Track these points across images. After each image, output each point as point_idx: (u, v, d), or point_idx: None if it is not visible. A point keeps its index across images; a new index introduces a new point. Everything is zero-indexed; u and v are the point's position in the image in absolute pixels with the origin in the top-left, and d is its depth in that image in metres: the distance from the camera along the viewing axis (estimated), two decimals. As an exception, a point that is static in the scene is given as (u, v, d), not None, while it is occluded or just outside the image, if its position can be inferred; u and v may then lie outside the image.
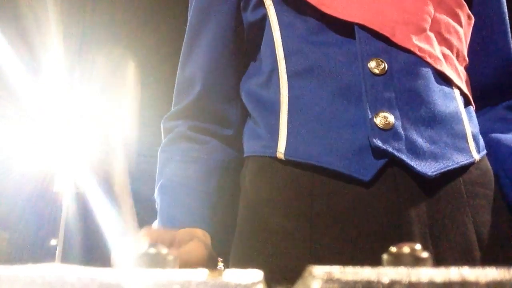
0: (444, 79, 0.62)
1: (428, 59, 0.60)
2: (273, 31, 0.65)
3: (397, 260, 0.24)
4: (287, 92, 0.62)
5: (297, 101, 0.61)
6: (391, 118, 0.56)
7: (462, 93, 0.64)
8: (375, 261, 0.25)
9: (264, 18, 0.67)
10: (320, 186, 0.56)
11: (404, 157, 0.54)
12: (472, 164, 0.59)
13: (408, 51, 0.59)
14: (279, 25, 0.65)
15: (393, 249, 0.24)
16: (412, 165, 0.54)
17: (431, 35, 0.62)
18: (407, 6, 0.61)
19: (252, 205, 0.63)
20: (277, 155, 0.60)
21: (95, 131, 5.62)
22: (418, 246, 0.24)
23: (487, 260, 0.55)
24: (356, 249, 0.53)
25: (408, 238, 0.52)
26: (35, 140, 5.47)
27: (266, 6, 0.66)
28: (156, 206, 0.66)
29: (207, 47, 0.72)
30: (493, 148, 0.66)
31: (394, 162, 0.55)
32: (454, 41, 0.65)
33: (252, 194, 0.63)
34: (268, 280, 0.23)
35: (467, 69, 0.68)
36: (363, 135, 0.56)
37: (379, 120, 0.56)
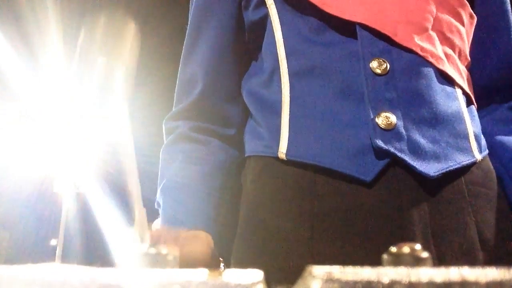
0: (446, 79, 0.61)
1: (430, 59, 0.60)
2: (274, 30, 0.65)
3: (397, 260, 0.24)
4: (288, 92, 0.62)
5: (299, 101, 0.61)
6: (393, 118, 0.56)
7: (464, 93, 0.64)
8: (377, 261, 0.25)
9: (266, 17, 0.67)
10: (321, 186, 0.56)
11: (406, 157, 0.54)
12: (473, 164, 0.59)
13: (410, 51, 0.59)
14: (280, 24, 0.65)
15: (393, 249, 0.24)
16: (414, 165, 0.54)
17: (433, 34, 0.62)
18: (409, 6, 0.61)
19: (253, 205, 0.63)
20: (279, 155, 0.60)
21: (95, 131, 5.61)
22: (418, 246, 0.24)
23: (489, 260, 0.55)
24: (358, 249, 0.53)
25: (410, 238, 0.52)
26: (35, 140, 5.47)
27: (267, 6, 0.66)
28: (157, 206, 0.66)
29: (208, 47, 0.72)
30: (496, 151, 0.65)
31: (396, 162, 0.55)
32: (456, 41, 0.64)
33: (254, 194, 0.63)
34: (268, 280, 0.23)
35: (469, 68, 0.68)
36: (365, 135, 0.56)
37: (381, 120, 0.55)
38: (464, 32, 0.66)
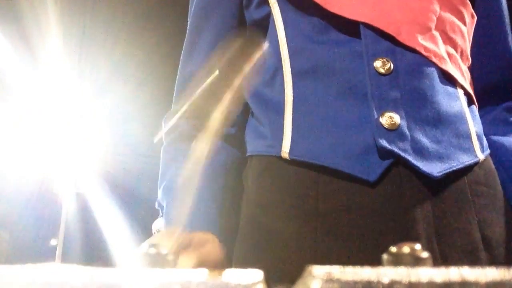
0: (448, 79, 0.61)
1: (433, 59, 0.60)
2: (277, 29, 0.65)
3: (397, 260, 0.24)
4: (291, 91, 0.61)
5: (302, 101, 0.60)
6: (396, 118, 0.56)
7: (466, 93, 0.64)
8: (381, 261, 0.25)
9: (268, 16, 0.67)
10: (324, 186, 0.56)
11: (409, 157, 0.54)
12: (476, 164, 0.59)
13: (414, 51, 0.59)
14: (283, 23, 0.65)
15: (393, 249, 0.24)
16: (418, 165, 0.54)
17: (436, 34, 0.62)
18: (412, 5, 0.61)
19: (255, 205, 0.62)
20: (282, 155, 0.59)
21: (95, 132, 5.61)
22: (418, 246, 0.24)
23: (492, 259, 0.55)
24: (361, 249, 0.53)
25: (414, 238, 0.52)
26: (35, 141, 5.46)
27: (270, 4, 0.66)
28: (157, 206, 0.66)
29: (209, 45, 0.71)
30: (493, 151, 0.66)
31: (399, 162, 0.55)
32: (459, 40, 0.64)
33: (256, 194, 0.63)
34: (268, 280, 0.23)
35: (469, 68, 0.68)
36: (368, 135, 0.56)
37: (384, 120, 0.55)
38: (466, 31, 0.66)
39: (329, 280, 0.20)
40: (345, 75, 0.59)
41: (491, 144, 0.66)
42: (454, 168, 0.56)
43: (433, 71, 0.60)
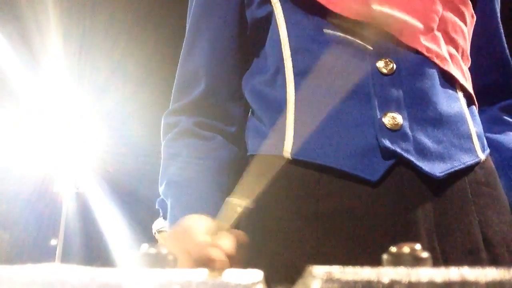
0: (449, 80, 0.62)
1: (435, 60, 0.60)
2: (279, 28, 0.65)
3: (397, 260, 0.24)
4: (293, 90, 0.61)
5: (304, 100, 0.60)
6: (399, 119, 0.56)
7: (466, 93, 0.64)
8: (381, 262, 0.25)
9: (270, 15, 0.67)
10: (326, 186, 0.56)
11: (412, 158, 0.55)
12: (477, 163, 0.59)
13: (416, 51, 0.59)
14: (285, 22, 0.64)
15: (393, 249, 0.24)
16: (421, 166, 0.54)
17: (438, 34, 0.62)
18: (415, 5, 0.61)
19: (256, 204, 0.62)
20: (284, 154, 0.59)
21: (95, 131, 5.62)
22: (418, 246, 0.24)
23: (493, 259, 0.55)
24: (363, 249, 0.53)
25: (415, 238, 0.52)
26: (35, 140, 5.46)
27: (272, 3, 0.66)
28: (158, 206, 0.66)
29: (211, 43, 0.71)
30: (493, 152, 0.66)
31: (401, 162, 0.55)
32: (460, 41, 0.64)
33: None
34: (268, 280, 0.23)
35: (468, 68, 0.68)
36: (371, 135, 0.56)
37: (387, 120, 0.55)
38: (467, 32, 0.66)
39: (329, 280, 0.20)
40: (347, 75, 0.59)
41: (489, 144, 0.66)
42: (456, 168, 0.56)
43: (434, 72, 0.60)
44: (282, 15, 0.65)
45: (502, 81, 0.74)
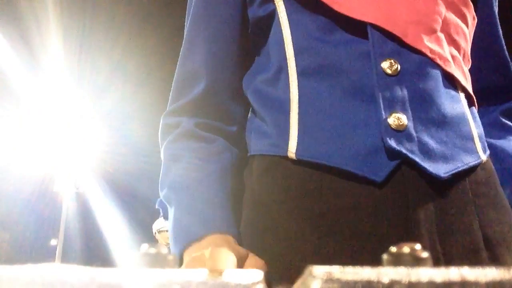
0: (451, 81, 0.62)
1: (438, 61, 0.60)
2: (282, 28, 0.65)
3: (397, 260, 0.24)
4: (297, 90, 0.61)
5: (308, 100, 0.60)
6: (404, 119, 0.56)
7: (467, 95, 0.64)
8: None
9: (272, 14, 0.66)
10: (330, 186, 0.56)
11: (417, 158, 0.55)
12: (479, 164, 0.59)
13: (420, 52, 0.59)
14: (288, 22, 0.64)
15: (393, 249, 0.24)
16: (425, 166, 0.54)
17: (441, 36, 0.62)
18: (419, 6, 0.61)
19: (258, 204, 0.62)
20: (288, 155, 0.59)
21: (95, 132, 5.62)
22: (418, 246, 0.24)
23: (494, 259, 0.55)
24: (366, 249, 0.53)
25: (417, 238, 0.52)
26: (35, 140, 5.47)
27: (275, 3, 0.66)
28: (158, 206, 0.66)
29: (211, 42, 0.70)
30: (494, 156, 0.66)
31: (405, 162, 0.55)
32: (462, 43, 0.65)
33: (259, 193, 0.62)
34: (268, 280, 0.23)
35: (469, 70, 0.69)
36: (376, 135, 0.56)
37: (392, 121, 0.56)
38: (468, 33, 0.66)
39: (329, 280, 0.20)
40: (352, 75, 0.59)
41: (489, 148, 0.66)
42: (459, 169, 0.57)
43: (437, 73, 0.60)
44: (285, 15, 0.64)
45: (502, 83, 0.74)
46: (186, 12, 0.76)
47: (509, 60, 0.75)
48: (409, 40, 0.59)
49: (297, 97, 0.61)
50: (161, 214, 2.91)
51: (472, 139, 0.60)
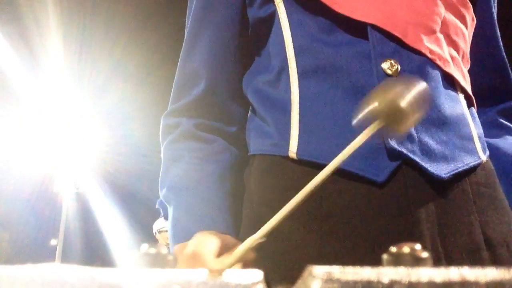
0: (450, 82, 0.62)
1: (438, 62, 0.60)
2: (282, 28, 0.65)
3: (397, 260, 0.24)
4: (297, 91, 0.61)
5: (309, 100, 0.60)
6: None
7: (466, 95, 0.64)
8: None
9: (273, 15, 0.66)
10: (331, 186, 0.56)
11: (418, 159, 0.55)
12: (479, 164, 0.60)
13: (419, 53, 0.59)
14: (289, 23, 0.64)
15: (393, 249, 0.24)
16: (426, 167, 0.55)
17: (441, 36, 0.62)
18: (418, 7, 0.61)
19: (259, 204, 0.62)
20: (289, 155, 0.59)
21: (95, 132, 5.62)
22: (418, 246, 0.24)
23: (494, 259, 0.55)
24: (366, 249, 0.53)
25: (418, 238, 0.53)
26: (35, 141, 5.47)
27: (275, 3, 0.66)
28: (157, 206, 0.66)
29: (212, 43, 0.70)
30: (492, 156, 0.66)
31: (406, 163, 0.55)
32: (461, 43, 0.65)
33: (260, 193, 0.62)
34: (268, 280, 0.23)
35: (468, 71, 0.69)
36: (377, 136, 0.56)
37: None
38: (467, 34, 0.66)
39: (329, 280, 0.20)
40: (352, 76, 0.59)
41: (488, 148, 0.67)
42: (460, 169, 0.57)
43: (437, 74, 0.60)
44: (286, 15, 0.64)
45: (499, 84, 0.74)
46: (187, 13, 0.76)
47: (507, 60, 0.75)
48: (409, 40, 0.59)
49: (298, 97, 0.61)
50: (161, 214, 2.91)
51: (472, 140, 0.60)
